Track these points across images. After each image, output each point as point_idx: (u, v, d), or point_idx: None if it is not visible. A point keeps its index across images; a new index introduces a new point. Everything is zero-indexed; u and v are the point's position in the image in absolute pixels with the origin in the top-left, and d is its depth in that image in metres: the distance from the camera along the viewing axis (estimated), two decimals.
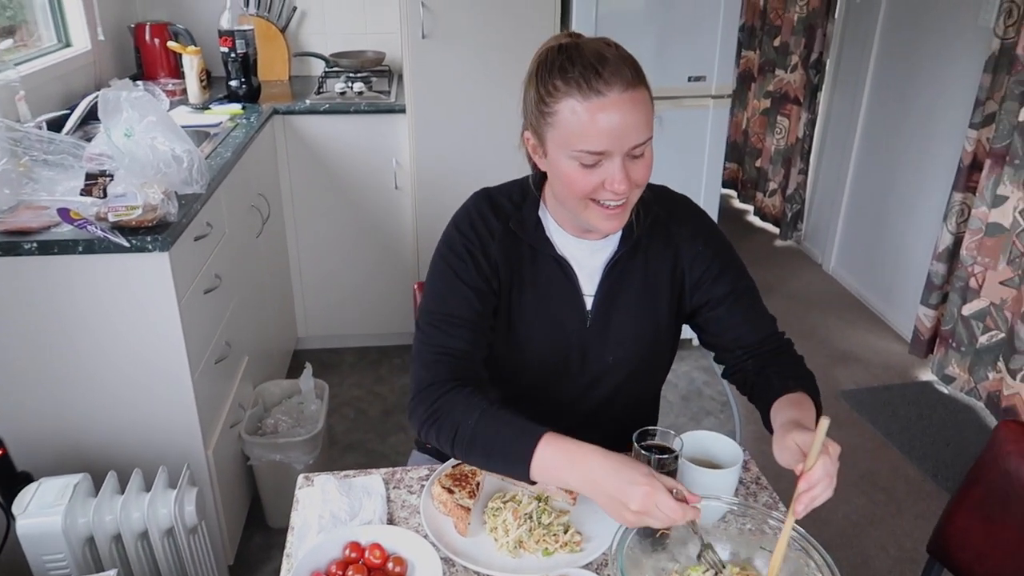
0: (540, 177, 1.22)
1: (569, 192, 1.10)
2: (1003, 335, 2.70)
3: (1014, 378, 2.57)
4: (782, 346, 1.27)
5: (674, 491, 0.94)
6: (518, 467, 1.03)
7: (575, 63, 1.03)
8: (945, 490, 2.43)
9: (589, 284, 1.23)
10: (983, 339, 2.77)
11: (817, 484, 0.95)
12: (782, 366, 1.22)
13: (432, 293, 1.20)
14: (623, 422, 1.24)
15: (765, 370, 1.22)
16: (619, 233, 1.21)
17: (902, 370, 3.13)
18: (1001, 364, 2.67)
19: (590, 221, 1.13)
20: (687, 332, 1.32)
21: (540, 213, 1.22)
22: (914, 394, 2.96)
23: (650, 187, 1.20)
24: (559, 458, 1.00)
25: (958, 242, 2.88)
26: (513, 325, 1.23)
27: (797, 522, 0.99)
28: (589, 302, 1.23)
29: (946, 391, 2.96)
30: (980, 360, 2.79)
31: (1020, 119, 2.50)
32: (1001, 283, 2.68)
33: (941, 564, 1.34)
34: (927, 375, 3.07)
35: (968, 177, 2.80)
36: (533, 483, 1.04)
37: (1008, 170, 2.58)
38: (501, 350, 1.24)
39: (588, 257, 1.22)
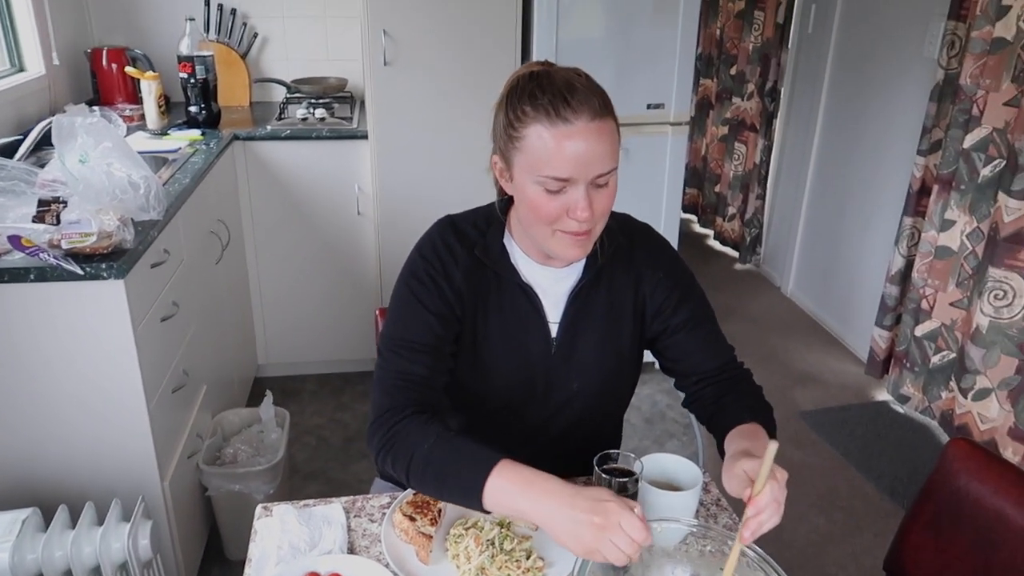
0: (506, 204, 1.24)
1: (534, 218, 1.11)
2: (954, 355, 2.77)
3: (966, 397, 2.64)
4: (740, 375, 1.29)
5: (636, 510, 0.94)
6: (471, 495, 1.02)
7: (545, 90, 1.05)
8: (902, 507, 2.47)
9: (554, 311, 1.24)
10: (935, 359, 2.84)
11: (764, 510, 0.96)
12: (739, 396, 1.24)
13: (394, 319, 1.20)
14: (586, 447, 1.24)
15: (722, 399, 1.24)
16: (583, 261, 1.23)
17: (859, 390, 3.20)
18: (953, 383, 2.73)
19: (554, 248, 1.14)
20: (650, 355, 1.34)
21: (505, 240, 1.23)
22: (871, 414, 3.01)
23: (613, 215, 1.21)
24: (514, 485, 1.00)
25: (910, 265, 2.96)
26: (478, 352, 1.23)
27: (757, 542, 1.00)
28: (554, 329, 1.24)
29: (902, 410, 3.02)
30: (933, 380, 2.86)
31: (964, 146, 2.59)
32: (951, 304, 2.76)
33: None
34: (883, 395, 3.14)
35: (917, 202, 2.88)
36: (487, 512, 1.03)
37: (955, 195, 2.66)
38: (466, 377, 1.25)
39: (553, 285, 1.23)
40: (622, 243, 1.25)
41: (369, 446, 1.14)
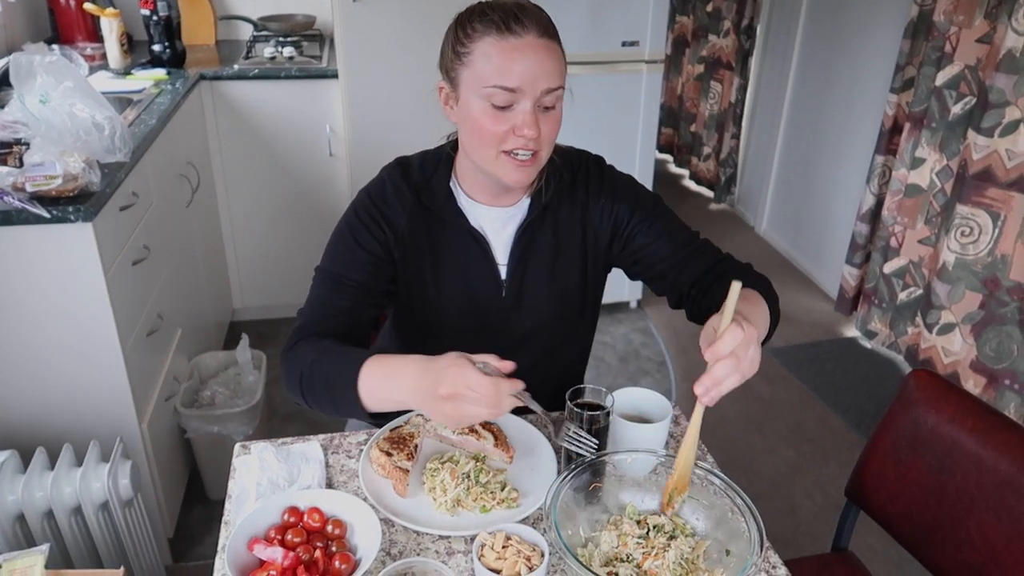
0: (454, 144, 1.23)
1: (478, 139, 1.10)
2: (921, 291, 2.83)
3: (931, 331, 2.71)
4: (709, 252, 1.25)
5: (479, 364, 0.94)
6: (348, 394, 1.02)
7: (495, 9, 1.08)
8: (867, 439, 2.55)
9: (502, 254, 1.25)
10: (902, 295, 2.90)
11: (721, 361, 0.89)
12: (726, 277, 1.11)
13: (328, 252, 1.23)
14: (549, 386, 1.24)
15: (711, 289, 1.20)
16: (527, 201, 1.23)
17: (828, 327, 3.27)
18: (919, 319, 2.80)
19: (499, 174, 1.13)
20: (625, 294, 1.35)
21: (451, 184, 1.22)
22: (839, 350, 3.09)
23: (557, 149, 1.21)
24: (381, 375, 1.01)
25: (880, 203, 2.99)
26: (428, 297, 1.24)
27: (726, 472, 1.03)
28: (503, 271, 1.25)
29: (869, 346, 3.10)
30: (900, 315, 2.93)
31: (937, 83, 2.60)
32: (919, 242, 2.81)
33: (858, 507, 1.42)
34: (852, 331, 3.21)
35: (889, 140, 2.90)
36: (373, 418, 1.04)
37: (926, 133, 2.68)
38: (419, 319, 1.26)
39: (500, 227, 1.24)
40: (565, 179, 1.25)
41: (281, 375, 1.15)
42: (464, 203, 1.22)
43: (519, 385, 0.95)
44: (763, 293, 1.15)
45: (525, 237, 1.24)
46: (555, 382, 1.27)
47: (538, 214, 1.23)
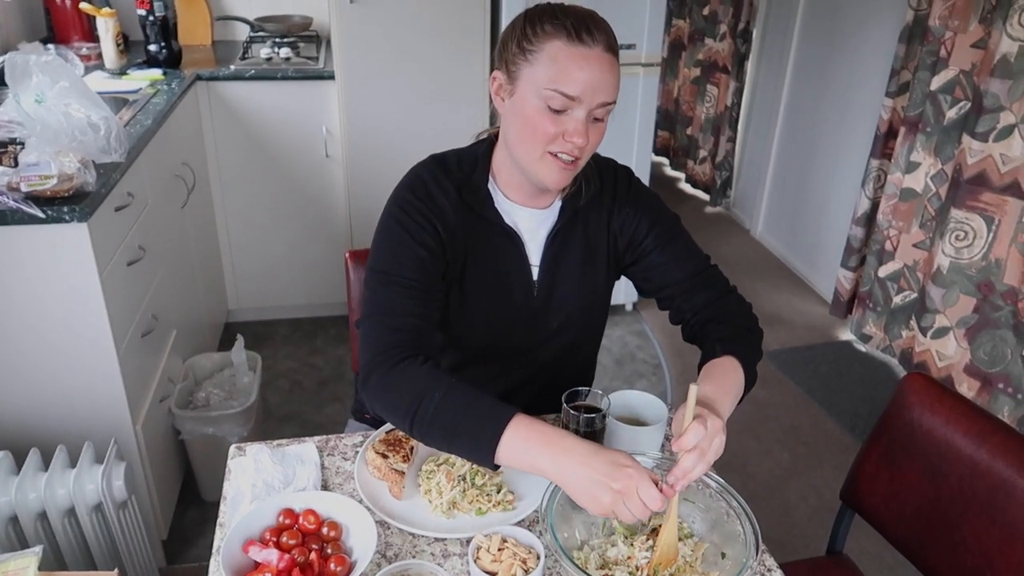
0: (489, 145, 1.23)
1: (528, 134, 1.11)
2: (915, 295, 2.84)
3: (925, 335, 2.72)
4: (715, 284, 1.29)
5: (657, 484, 0.94)
6: (482, 447, 0.98)
7: (568, 14, 1.09)
8: (861, 442, 2.56)
9: (536, 255, 1.26)
10: (897, 299, 2.91)
11: (687, 454, 0.96)
12: (720, 323, 1.23)
13: (383, 253, 1.17)
14: (560, 384, 1.25)
15: (706, 327, 1.24)
16: (559, 204, 1.24)
17: (823, 330, 3.27)
18: (914, 322, 2.81)
19: (540, 173, 1.13)
20: (621, 297, 1.36)
21: (489, 185, 1.23)
22: (834, 353, 3.09)
23: (595, 157, 1.23)
24: (531, 442, 0.97)
25: (875, 207, 3.00)
26: (465, 294, 1.24)
27: (720, 474, 1.03)
28: (535, 272, 1.26)
29: (863, 349, 3.11)
30: (895, 319, 2.94)
31: (932, 88, 2.61)
32: (914, 245, 2.82)
33: (853, 510, 1.42)
34: (846, 335, 3.22)
35: (884, 144, 2.91)
36: (495, 467, 1.00)
37: (920, 137, 2.69)
38: (450, 314, 1.25)
39: (536, 228, 1.25)
40: (596, 185, 1.27)
41: (364, 387, 1.08)
42: (502, 203, 1.23)
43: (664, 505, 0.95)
44: (746, 345, 1.19)
45: (558, 240, 1.25)
46: (564, 381, 1.26)
47: (569, 219, 1.25)
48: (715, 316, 1.24)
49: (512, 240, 1.23)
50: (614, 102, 1.11)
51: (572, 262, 1.27)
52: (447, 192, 1.20)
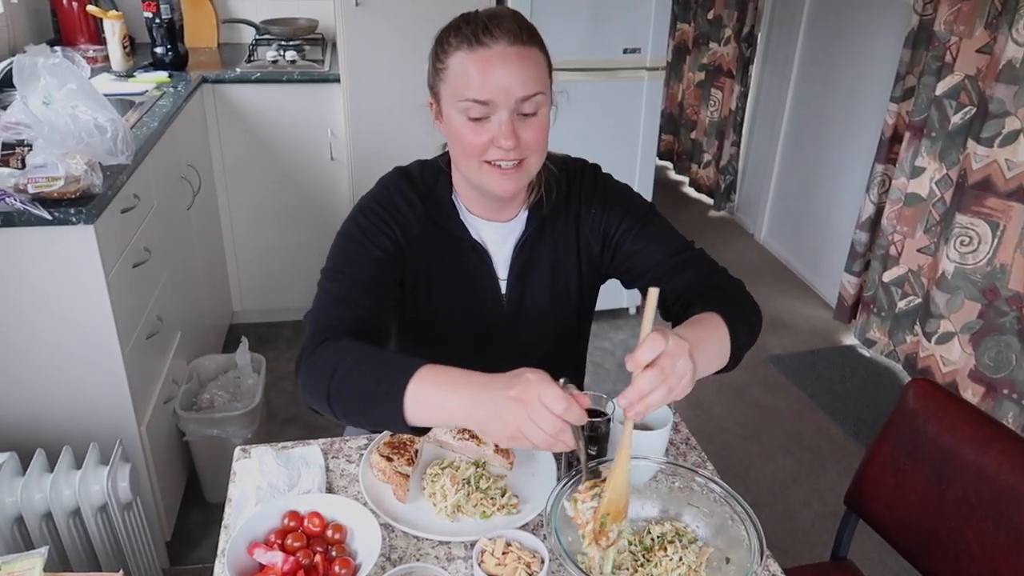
0: (447, 160, 1.23)
1: (461, 151, 1.11)
2: (919, 300, 2.83)
3: (929, 340, 2.71)
4: (700, 264, 1.21)
5: (561, 381, 0.86)
6: (391, 401, 0.91)
7: (469, 22, 1.08)
8: (865, 447, 2.56)
9: (503, 268, 1.25)
10: (901, 304, 2.91)
11: (645, 372, 0.85)
12: (709, 300, 1.12)
13: (337, 252, 1.17)
14: None
15: (691, 309, 1.13)
16: (526, 214, 1.23)
17: (827, 335, 3.27)
18: (918, 327, 2.80)
19: (485, 184, 1.12)
20: (624, 301, 1.35)
21: (453, 196, 1.22)
22: (838, 358, 3.09)
23: (555, 159, 1.21)
24: (441, 382, 0.91)
25: (879, 212, 3.00)
26: (434, 308, 1.24)
27: (725, 480, 1.03)
28: (504, 286, 1.25)
29: (867, 354, 3.10)
30: (899, 324, 2.93)
31: (936, 93, 2.61)
32: (918, 250, 2.81)
33: (857, 515, 1.42)
34: (850, 339, 3.21)
35: (889, 149, 2.91)
36: (411, 428, 0.93)
37: (925, 142, 2.69)
38: (420, 330, 1.26)
39: (501, 241, 1.24)
40: (562, 190, 1.24)
41: (296, 376, 1.04)
42: (466, 217, 1.23)
43: (584, 419, 0.85)
44: (741, 318, 1.09)
45: (524, 251, 1.24)
46: None
47: (536, 228, 1.23)
48: (703, 293, 1.15)
49: (479, 254, 1.23)
50: (539, 92, 1.06)
51: (541, 272, 1.25)
52: (412, 204, 1.20)
